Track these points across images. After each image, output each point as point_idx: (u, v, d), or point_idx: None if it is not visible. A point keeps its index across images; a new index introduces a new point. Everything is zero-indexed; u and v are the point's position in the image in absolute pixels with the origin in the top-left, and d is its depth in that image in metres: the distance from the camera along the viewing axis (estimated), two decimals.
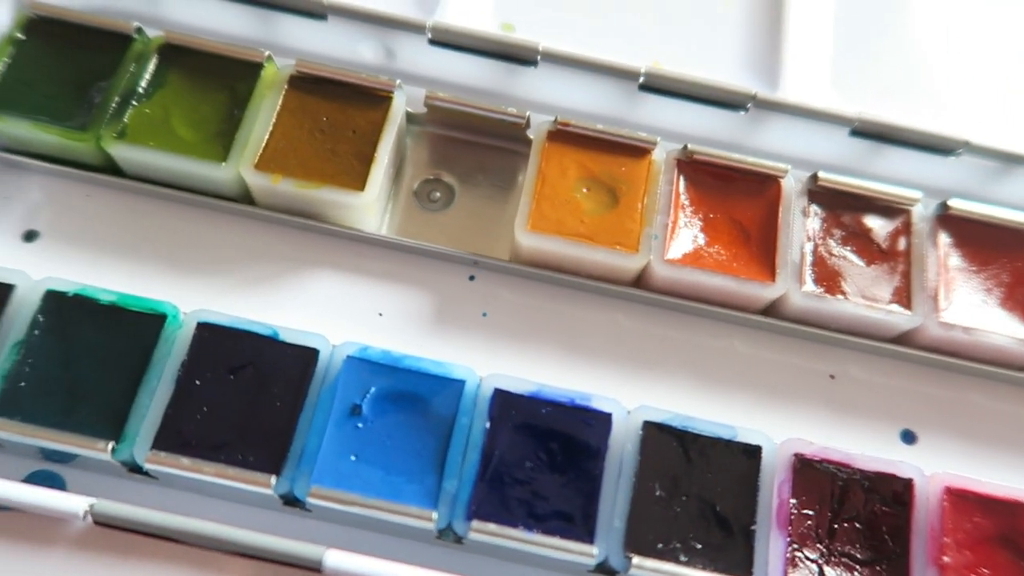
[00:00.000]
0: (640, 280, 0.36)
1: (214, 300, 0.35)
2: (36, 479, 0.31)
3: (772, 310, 0.36)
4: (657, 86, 0.38)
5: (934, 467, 0.32)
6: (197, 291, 0.35)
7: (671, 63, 0.40)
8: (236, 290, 0.35)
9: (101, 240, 0.36)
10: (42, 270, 0.33)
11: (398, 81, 0.36)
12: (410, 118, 0.38)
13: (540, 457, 0.30)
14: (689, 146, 0.36)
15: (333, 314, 0.35)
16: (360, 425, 0.30)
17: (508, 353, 0.35)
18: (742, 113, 0.38)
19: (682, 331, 0.37)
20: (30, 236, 0.36)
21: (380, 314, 0.36)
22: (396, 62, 0.40)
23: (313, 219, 0.36)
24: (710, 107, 0.38)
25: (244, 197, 0.36)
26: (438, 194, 0.38)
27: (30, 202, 0.36)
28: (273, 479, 0.29)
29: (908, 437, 0.35)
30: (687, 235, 0.35)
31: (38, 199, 0.36)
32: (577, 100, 0.39)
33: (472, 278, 0.37)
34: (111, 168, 0.36)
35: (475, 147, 0.39)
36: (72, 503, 0.27)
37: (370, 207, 0.35)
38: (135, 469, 0.30)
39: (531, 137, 0.37)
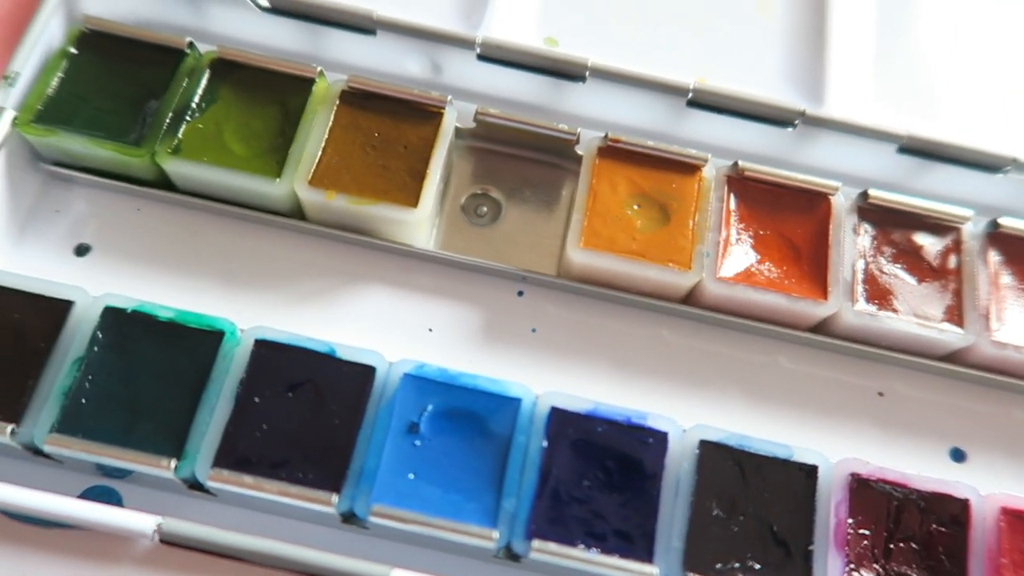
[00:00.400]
0: (689, 297, 0.36)
1: (265, 314, 0.35)
2: (93, 494, 0.31)
3: (821, 327, 0.36)
4: (705, 102, 0.38)
5: (983, 485, 0.32)
6: (247, 305, 0.35)
7: (713, 77, 0.40)
8: (286, 305, 0.36)
9: (152, 254, 0.36)
10: (94, 284, 0.33)
11: (449, 97, 0.36)
12: (455, 132, 0.38)
13: (597, 476, 0.31)
14: (740, 163, 0.36)
15: (383, 329, 0.35)
16: (418, 443, 0.30)
17: (557, 369, 0.35)
18: (789, 130, 0.38)
19: (727, 347, 0.37)
20: (81, 250, 0.36)
21: (430, 329, 0.36)
22: (442, 76, 0.40)
23: (363, 234, 0.36)
24: (756, 123, 0.38)
25: (295, 212, 0.36)
26: (485, 209, 0.38)
27: (81, 216, 0.36)
28: (335, 497, 0.29)
29: (957, 455, 0.35)
30: (738, 252, 0.35)
31: (88, 213, 0.36)
32: (622, 115, 0.39)
33: (521, 294, 0.37)
34: (162, 182, 0.36)
35: (520, 161, 0.39)
36: (141, 522, 0.27)
37: (423, 223, 0.35)
38: (195, 486, 0.30)
39: (579, 153, 0.37)
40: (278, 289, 0.36)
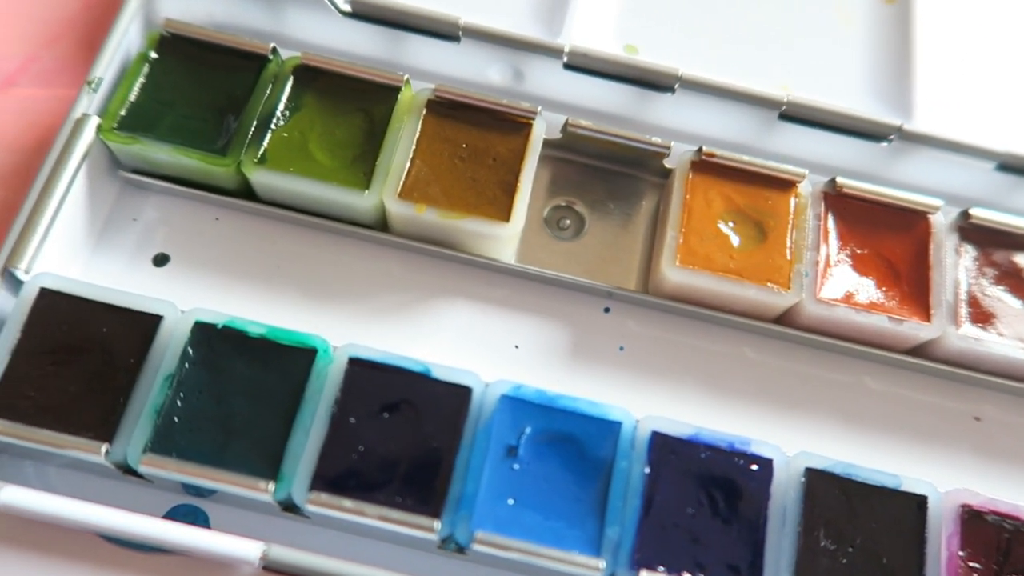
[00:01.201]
0: (783, 316, 0.35)
1: (348, 329, 0.34)
2: (179, 514, 0.30)
3: (918, 350, 0.35)
4: (798, 116, 0.37)
5: None
6: (330, 319, 0.34)
7: (794, 87, 0.39)
8: (369, 319, 0.35)
9: (232, 265, 0.35)
10: (174, 295, 0.32)
11: (539, 108, 0.35)
12: None
13: (701, 503, 0.30)
14: (838, 179, 0.35)
15: (470, 345, 0.34)
16: (516, 467, 0.30)
17: (647, 389, 0.34)
18: (883, 145, 0.37)
19: (813, 367, 0.36)
20: (160, 260, 0.35)
21: (516, 346, 0.35)
22: (523, 84, 0.39)
23: (450, 248, 0.35)
24: (847, 137, 0.37)
25: (378, 223, 0.35)
26: (568, 222, 0.37)
27: (158, 224, 0.35)
28: (437, 524, 0.28)
29: None
30: (838, 273, 0.34)
31: (166, 221, 0.35)
32: (708, 127, 0.38)
33: (607, 310, 0.36)
34: (241, 191, 0.35)
35: (601, 173, 0.38)
36: (246, 548, 0.27)
37: (513, 238, 0.34)
38: (289, 508, 0.29)
39: (667, 166, 0.36)
40: (360, 303, 0.35)
